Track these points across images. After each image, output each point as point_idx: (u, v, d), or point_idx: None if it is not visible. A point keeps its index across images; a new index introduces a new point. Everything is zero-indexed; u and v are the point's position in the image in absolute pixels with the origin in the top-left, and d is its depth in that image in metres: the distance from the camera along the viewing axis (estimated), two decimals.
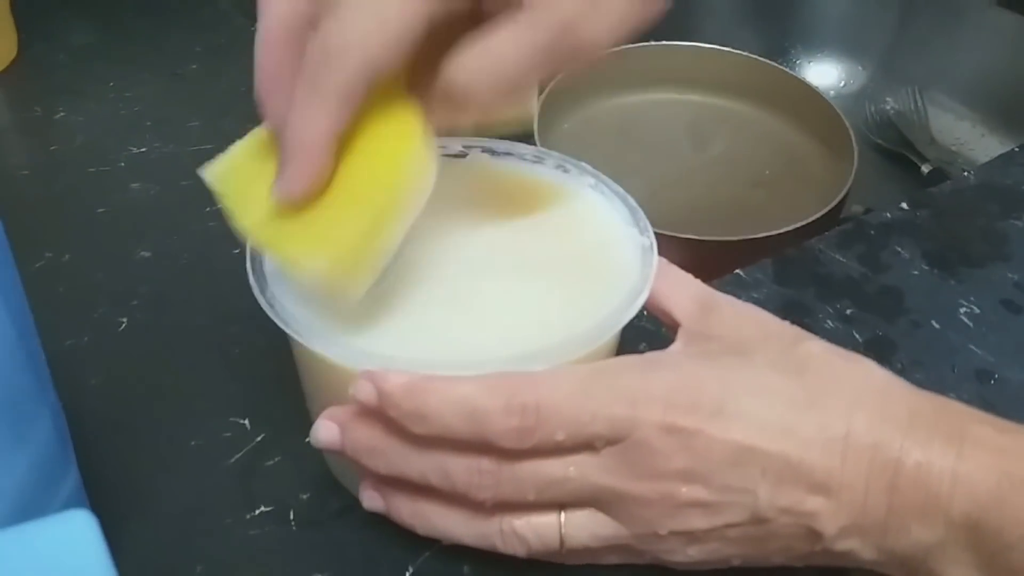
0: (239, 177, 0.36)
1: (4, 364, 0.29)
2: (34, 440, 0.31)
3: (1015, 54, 0.81)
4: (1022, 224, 0.52)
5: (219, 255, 0.50)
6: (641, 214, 0.39)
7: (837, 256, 0.50)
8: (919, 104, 0.85)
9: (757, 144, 0.76)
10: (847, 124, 0.71)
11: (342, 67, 0.31)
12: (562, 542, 0.32)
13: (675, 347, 0.34)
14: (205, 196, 0.52)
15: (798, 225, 0.60)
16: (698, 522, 0.31)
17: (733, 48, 0.77)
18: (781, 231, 0.60)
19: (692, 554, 0.32)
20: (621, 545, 0.32)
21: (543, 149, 0.42)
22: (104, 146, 0.59)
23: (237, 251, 0.49)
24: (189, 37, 0.70)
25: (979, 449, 0.30)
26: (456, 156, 0.42)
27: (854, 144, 0.69)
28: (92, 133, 0.60)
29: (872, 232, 0.52)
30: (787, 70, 0.78)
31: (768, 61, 0.77)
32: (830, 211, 0.63)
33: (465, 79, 0.32)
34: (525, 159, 0.42)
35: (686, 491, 0.31)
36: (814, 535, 0.31)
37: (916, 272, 0.49)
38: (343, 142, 0.33)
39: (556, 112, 0.73)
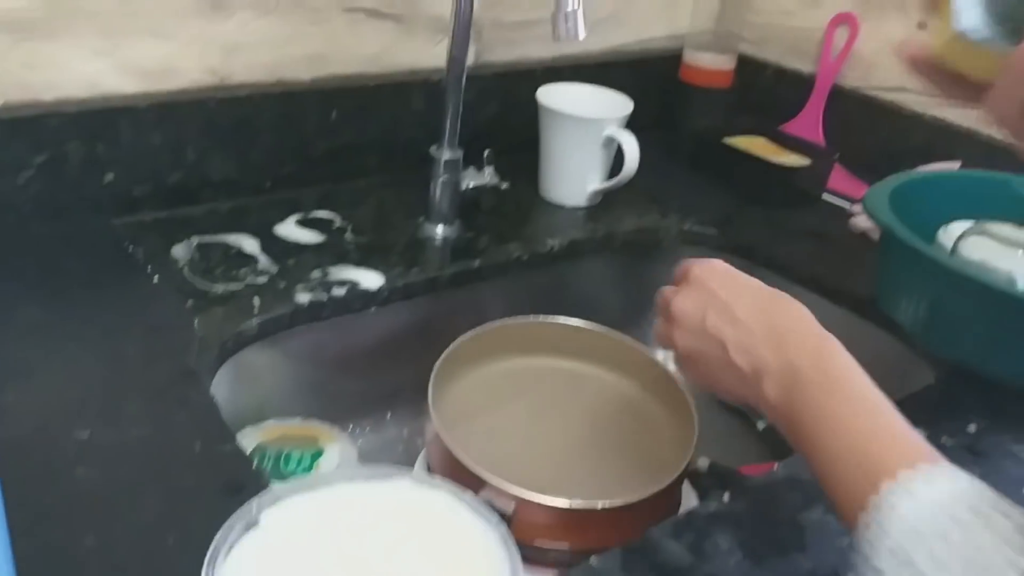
0: None
1: None
2: None
3: None
4: (816, 516, 0.65)
5: (158, 549, 0.57)
6: (511, 539, 0.50)
7: (673, 545, 0.62)
8: None
9: (616, 408, 0.90)
10: (685, 393, 0.85)
11: None
12: None
13: None
14: (146, 486, 0.59)
15: (645, 496, 0.72)
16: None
17: (592, 321, 0.93)
18: (637, 499, 0.72)
19: None
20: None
21: (429, 475, 0.54)
22: (51, 430, 0.64)
23: (171, 542, 0.57)
24: (125, 317, 0.78)
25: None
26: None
27: (693, 412, 0.82)
28: (40, 416, 0.66)
29: (700, 523, 0.64)
30: (628, 340, 0.92)
31: (618, 334, 0.92)
32: (680, 474, 0.76)
33: None
34: (414, 483, 0.54)
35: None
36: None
37: (733, 560, 0.61)
38: None
39: (449, 374, 0.85)
